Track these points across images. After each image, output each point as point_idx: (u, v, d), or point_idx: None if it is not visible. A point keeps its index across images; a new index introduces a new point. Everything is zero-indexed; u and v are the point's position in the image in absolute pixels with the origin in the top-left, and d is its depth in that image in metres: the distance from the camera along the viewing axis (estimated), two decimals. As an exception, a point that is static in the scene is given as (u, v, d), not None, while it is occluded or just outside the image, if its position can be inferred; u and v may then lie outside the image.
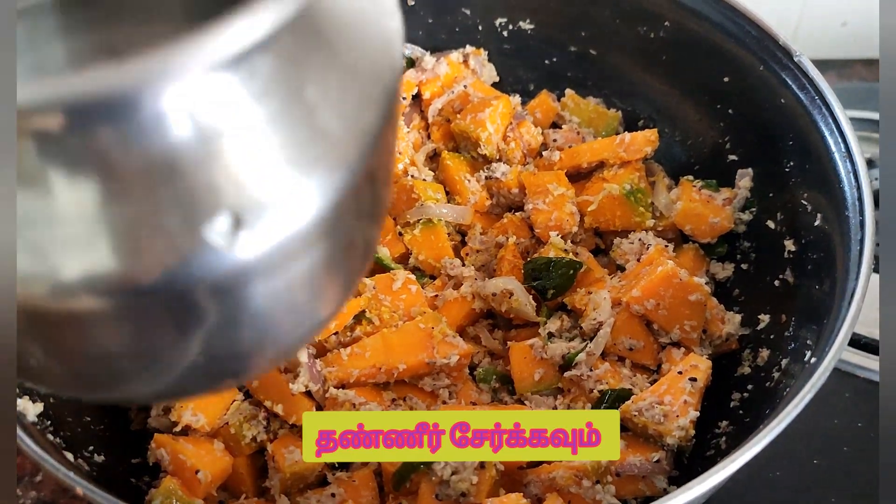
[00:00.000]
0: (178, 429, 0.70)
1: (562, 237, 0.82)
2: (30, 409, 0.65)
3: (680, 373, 0.71)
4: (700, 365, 0.72)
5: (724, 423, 0.73)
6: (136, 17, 0.51)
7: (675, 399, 0.70)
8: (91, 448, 0.68)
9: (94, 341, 0.40)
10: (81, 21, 0.51)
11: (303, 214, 0.36)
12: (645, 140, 0.85)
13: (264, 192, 0.35)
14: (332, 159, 0.37)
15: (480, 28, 0.95)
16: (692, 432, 0.69)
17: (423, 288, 0.80)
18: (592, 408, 0.73)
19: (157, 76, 0.31)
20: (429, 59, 0.93)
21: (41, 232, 0.34)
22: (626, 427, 0.70)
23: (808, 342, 0.68)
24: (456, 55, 0.94)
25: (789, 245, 0.77)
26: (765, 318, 0.77)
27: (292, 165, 0.36)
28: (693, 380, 0.71)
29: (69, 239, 0.34)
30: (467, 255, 0.84)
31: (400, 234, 0.84)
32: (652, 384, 0.73)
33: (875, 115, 1.04)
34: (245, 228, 0.35)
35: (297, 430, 0.72)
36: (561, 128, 0.93)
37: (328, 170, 0.37)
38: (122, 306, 0.36)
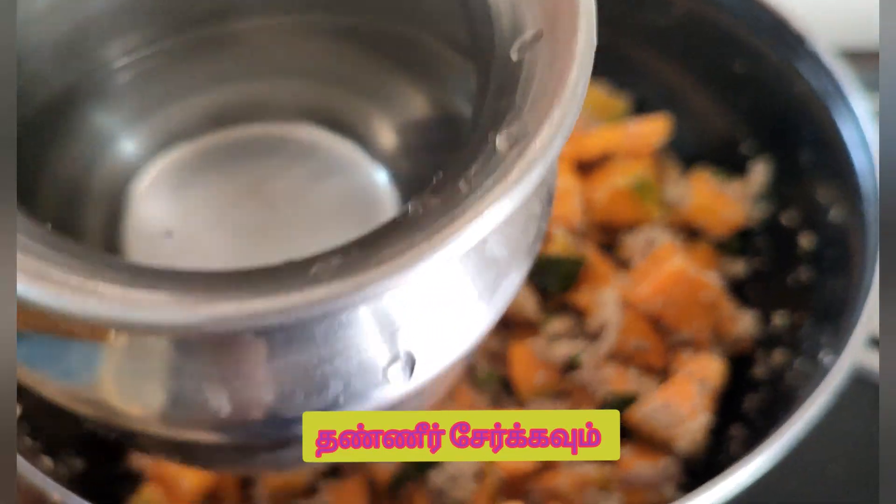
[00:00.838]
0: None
1: (566, 233, 0.79)
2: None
3: (690, 375, 0.69)
4: (711, 366, 0.70)
5: (737, 427, 0.71)
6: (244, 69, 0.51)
7: (684, 403, 0.68)
8: (72, 452, 0.66)
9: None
10: (194, 80, 0.51)
11: (469, 338, 0.38)
12: (654, 130, 0.82)
13: (438, 328, 0.36)
14: (500, 283, 0.37)
15: (483, 15, 0.93)
16: (703, 438, 0.67)
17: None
18: (596, 411, 0.72)
19: (404, 278, 0.29)
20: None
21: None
22: (632, 432, 0.68)
23: (825, 341, 0.66)
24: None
25: (805, 240, 0.75)
26: (779, 317, 0.75)
27: (464, 298, 0.36)
28: (704, 382, 0.69)
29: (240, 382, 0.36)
30: (468, 251, 0.83)
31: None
32: (660, 387, 0.71)
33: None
34: (418, 364, 0.36)
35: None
36: (567, 117, 0.91)
37: (495, 294, 0.37)
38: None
